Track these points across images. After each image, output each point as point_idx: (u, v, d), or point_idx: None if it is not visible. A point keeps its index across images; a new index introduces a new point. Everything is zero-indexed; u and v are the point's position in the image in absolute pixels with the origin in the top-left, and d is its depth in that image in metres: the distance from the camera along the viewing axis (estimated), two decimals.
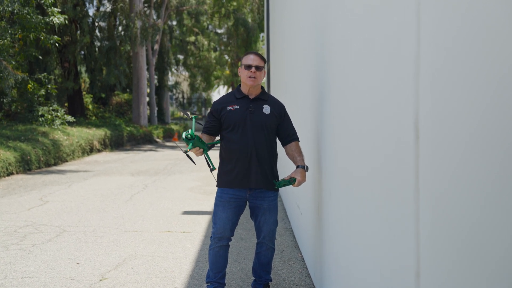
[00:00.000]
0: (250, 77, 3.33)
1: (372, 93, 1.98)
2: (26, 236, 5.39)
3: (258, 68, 3.34)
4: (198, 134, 3.30)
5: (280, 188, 3.55)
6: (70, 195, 8.13)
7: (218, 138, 3.48)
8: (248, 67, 3.34)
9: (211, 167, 3.27)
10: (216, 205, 3.38)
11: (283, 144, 3.49)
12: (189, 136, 3.10)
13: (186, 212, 6.82)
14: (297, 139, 3.48)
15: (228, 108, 3.35)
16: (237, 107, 3.35)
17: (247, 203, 3.42)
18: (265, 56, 10.82)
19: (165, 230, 5.75)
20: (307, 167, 3.39)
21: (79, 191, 8.57)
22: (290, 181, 3.32)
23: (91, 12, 33.00)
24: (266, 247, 3.47)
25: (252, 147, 3.28)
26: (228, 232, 3.35)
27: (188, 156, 3.24)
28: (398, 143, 1.63)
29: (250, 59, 3.36)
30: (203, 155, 3.25)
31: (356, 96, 2.26)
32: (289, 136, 3.45)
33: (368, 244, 2.12)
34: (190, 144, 3.11)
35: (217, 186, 3.40)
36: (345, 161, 2.60)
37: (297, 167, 3.36)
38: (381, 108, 1.84)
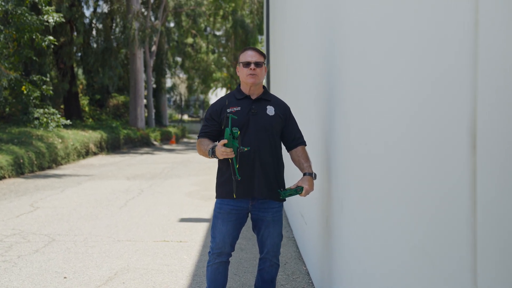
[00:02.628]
0: (250, 74, 3.01)
1: (402, 89, 1.67)
2: (12, 246, 5.06)
3: (257, 64, 3.02)
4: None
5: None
6: (62, 201, 7.80)
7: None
8: (247, 64, 3.02)
9: (237, 176, 2.87)
10: (215, 217, 3.06)
11: (288, 149, 3.18)
12: (236, 133, 2.75)
13: (183, 220, 6.50)
14: (303, 143, 3.17)
15: (229, 110, 3.03)
16: (238, 108, 3.03)
17: (249, 214, 3.11)
18: None
19: (161, 239, 5.43)
20: (315, 175, 3.08)
21: (72, 197, 8.24)
22: (297, 190, 3.01)
23: (88, 13, 32.72)
24: (270, 263, 3.15)
25: (255, 152, 2.97)
26: (228, 248, 3.03)
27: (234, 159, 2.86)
28: (443, 152, 1.33)
29: (249, 55, 3.04)
30: (230, 160, 2.91)
31: (381, 92, 1.95)
32: (295, 139, 3.14)
33: (397, 270, 1.82)
34: (234, 143, 2.76)
35: (216, 197, 3.08)
36: (364, 171, 2.29)
37: (304, 174, 3.05)
38: (415, 107, 1.54)
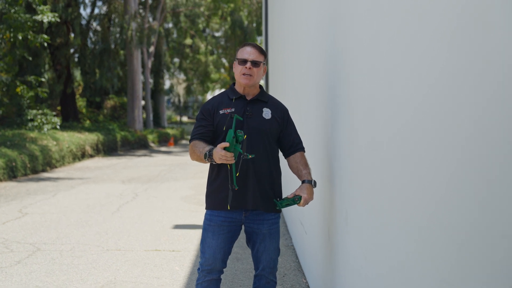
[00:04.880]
0: (244, 74, 2.71)
1: (420, 85, 1.39)
2: None
3: (255, 63, 2.71)
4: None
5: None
6: (53, 206, 7.50)
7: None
8: (243, 61, 2.71)
9: (234, 185, 2.59)
10: (204, 230, 2.76)
11: (286, 156, 2.88)
12: (240, 136, 2.47)
13: (177, 226, 6.20)
14: (302, 149, 2.87)
15: (221, 112, 2.73)
16: (232, 110, 2.73)
17: (242, 227, 2.82)
18: None
19: (152, 248, 5.13)
20: (315, 182, 2.78)
21: (63, 201, 7.93)
22: (295, 199, 2.71)
23: (85, 14, 32.47)
24: (266, 281, 2.86)
25: (248, 159, 2.67)
26: (219, 263, 2.74)
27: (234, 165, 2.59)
28: (478, 162, 1.04)
29: (246, 52, 2.73)
30: (228, 166, 2.62)
31: (394, 89, 1.67)
32: (294, 145, 2.84)
33: None
34: (238, 147, 2.47)
35: (206, 208, 2.79)
36: (373, 179, 2.00)
37: (303, 182, 2.75)
38: (436, 105, 1.25)
